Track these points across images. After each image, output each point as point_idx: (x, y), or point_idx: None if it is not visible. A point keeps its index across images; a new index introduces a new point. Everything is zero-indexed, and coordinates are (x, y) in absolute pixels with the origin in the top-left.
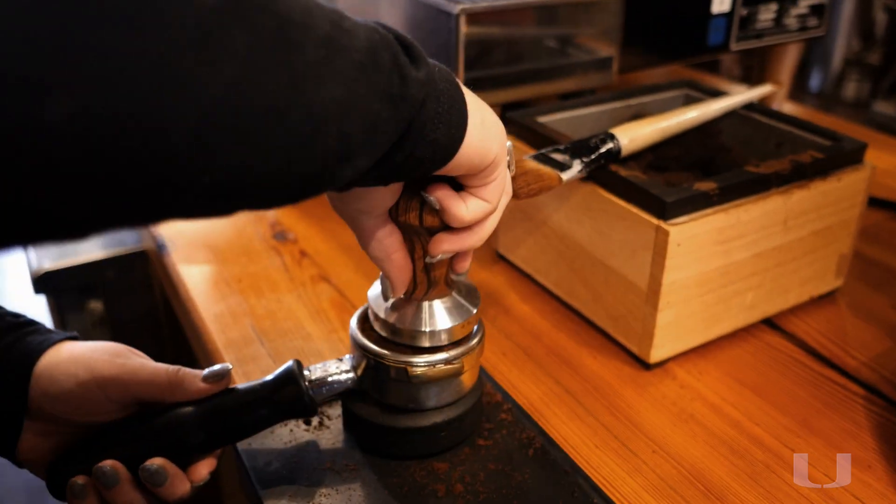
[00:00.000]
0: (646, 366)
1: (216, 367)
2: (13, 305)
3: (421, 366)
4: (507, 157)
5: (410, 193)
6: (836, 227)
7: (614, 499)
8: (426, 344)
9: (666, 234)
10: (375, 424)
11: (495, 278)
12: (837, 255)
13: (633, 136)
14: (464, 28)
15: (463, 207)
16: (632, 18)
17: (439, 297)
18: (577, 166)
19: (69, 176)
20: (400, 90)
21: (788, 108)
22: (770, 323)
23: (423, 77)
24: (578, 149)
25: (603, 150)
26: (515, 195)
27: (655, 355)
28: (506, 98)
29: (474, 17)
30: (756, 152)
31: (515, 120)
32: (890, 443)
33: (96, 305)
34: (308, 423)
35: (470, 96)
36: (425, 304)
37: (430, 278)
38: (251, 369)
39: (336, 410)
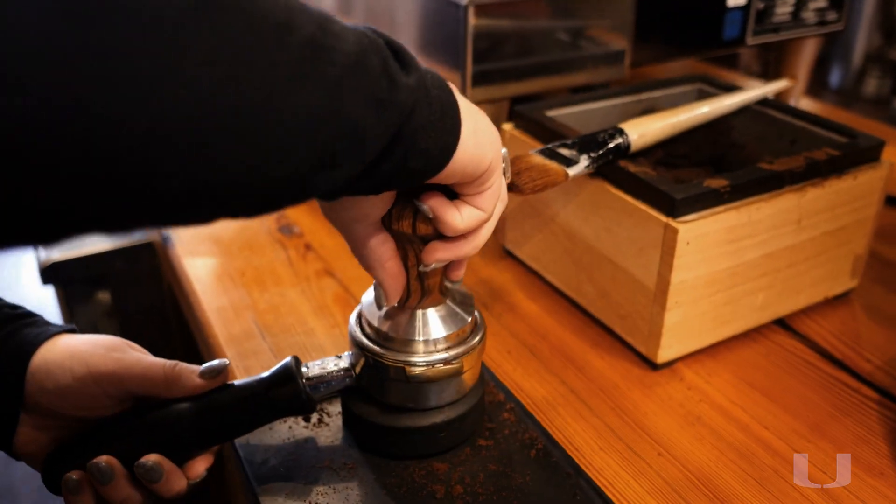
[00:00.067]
0: (653, 366)
1: (213, 362)
2: (21, 295)
3: (420, 365)
4: (503, 165)
5: (404, 201)
6: (851, 226)
7: (617, 502)
8: (420, 352)
9: (675, 232)
10: (374, 424)
11: (501, 275)
12: (853, 255)
13: (642, 131)
14: (472, 20)
15: (457, 216)
16: (645, 11)
17: (433, 305)
18: (584, 162)
19: (26, 170)
20: (388, 95)
21: (806, 104)
22: (782, 323)
23: (414, 83)
24: (586, 144)
25: (611, 145)
26: (520, 190)
27: (663, 356)
28: (515, 91)
29: (483, 8)
30: (770, 149)
31: (523, 114)
32: None
33: (104, 296)
34: (307, 419)
35: (464, 102)
36: (419, 312)
37: (424, 286)
38: (252, 364)
39: (336, 407)
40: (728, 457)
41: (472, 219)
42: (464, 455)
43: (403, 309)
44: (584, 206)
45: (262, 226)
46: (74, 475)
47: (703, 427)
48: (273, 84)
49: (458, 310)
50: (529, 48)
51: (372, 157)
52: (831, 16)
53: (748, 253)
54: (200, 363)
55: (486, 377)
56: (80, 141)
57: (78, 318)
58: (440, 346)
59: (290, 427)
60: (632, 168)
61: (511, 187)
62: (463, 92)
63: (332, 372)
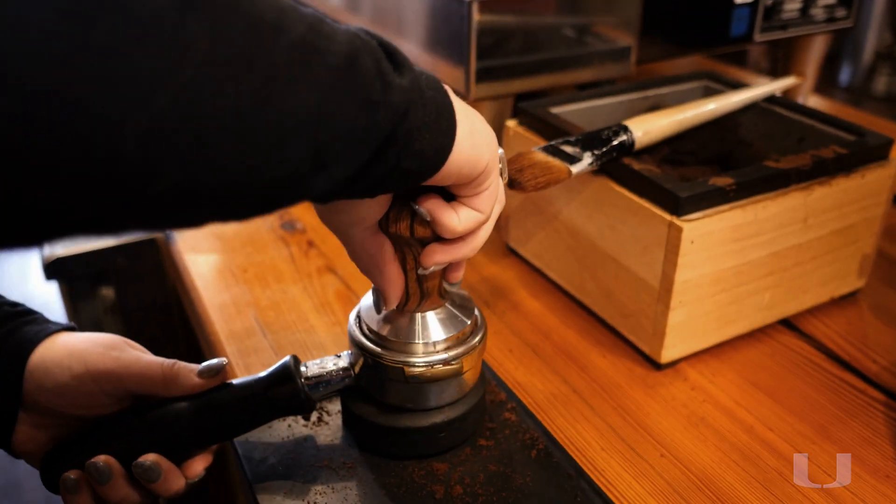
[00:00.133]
0: (656, 366)
1: (212, 362)
2: (25, 291)
3: (419, 366)
4: (500, 166)
5: (400, 204)
6: (858, 225)
7: None
8: (419, 353)
9: (679, 230)
10: (374, 424)
11: (505, 272)
12: (860, 254)
13: (647, 128)
14: (476, 16)
15: (454, 218)
16: (651, 7)
17: (433, 308)
18: (587, 159)
19: (26, 170)
20: (381, 96)
21: (814, 101)
22: (787, 323)
23: (407, 84)
24: (590, 141)
25: (615, 142)
26: (522, 188)
27: (666, 355)
28: (520, 88)
29: (487, 4)
30: (777, 147)
31: (527, 110)
32: None
33: (107, 292)
34: (307, 418)
35: (459, 104)
36: (418, 315)
37: (423, 289)
38: (252, 361)
39: (336, 406)
40: (732, 458)
41: (470, 220)
42: (464, 455)
43: (403, 312)
44: (587, 204)
45: (264, 222)
46: (73, 474)
47: (706, 428)
48: (272, 84)
49: (457, 312)
50: (534, 44)
51: (365, 158)
52: (840, 13)
53: (754, 252)
54: (202, 360)
55: (488, 376)
56: (80, 141)
57: (81, 314)
58: (439, 347)
59: (290, 425)
60: (636, 165)
61: (513, 184)
62: (467, 88)
63: (331, 371)
